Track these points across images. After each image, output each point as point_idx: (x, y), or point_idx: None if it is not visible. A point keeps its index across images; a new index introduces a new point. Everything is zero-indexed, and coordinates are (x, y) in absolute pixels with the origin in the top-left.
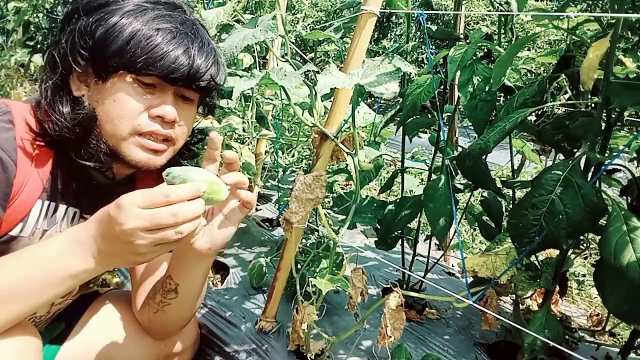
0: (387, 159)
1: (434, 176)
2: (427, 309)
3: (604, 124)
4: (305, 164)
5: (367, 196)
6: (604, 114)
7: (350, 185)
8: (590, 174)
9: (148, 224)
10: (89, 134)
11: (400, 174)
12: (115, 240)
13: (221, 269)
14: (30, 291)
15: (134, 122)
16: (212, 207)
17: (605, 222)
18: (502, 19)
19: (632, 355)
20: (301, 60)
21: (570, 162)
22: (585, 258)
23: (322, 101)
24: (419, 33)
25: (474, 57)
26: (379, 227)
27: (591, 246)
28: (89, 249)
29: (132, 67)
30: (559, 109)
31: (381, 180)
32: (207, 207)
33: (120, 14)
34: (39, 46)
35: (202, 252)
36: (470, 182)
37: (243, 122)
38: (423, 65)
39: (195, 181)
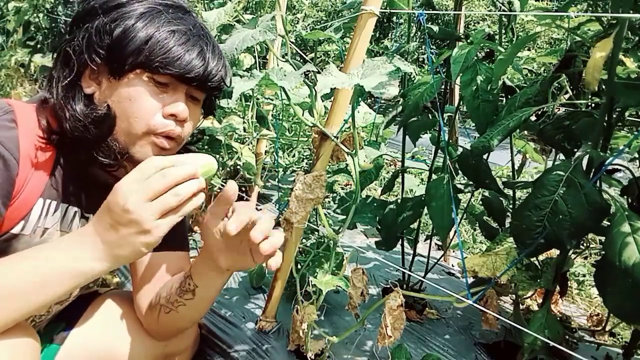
0: (387, 159)
1: (434, 176)
2: (427, 309)
3: (605, 124)
4: (306, 164)
5: (367, 196)
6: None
7: (351, 185)
8: (592, 174)
9: (143, 192)
10: (109, 132)
11: (400, 174)
12: (119, 225)
13: None
14: (36, 290)
15: (150, 121)
16: (243, 234)
17: (607, 222)
18: (504, 19)
19: (634, 355)
20: (301, 60)
21: (573, 162)
22: (585, 258)
23: (322, 101)
24: (419, 33)
25: (476, 58)
26: (380, 228)
27: (591, 246)
28: (96, 247)
29: (149, 67)
30: (559, 108)
31: (381, 180)
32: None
33: (136, 15)
34: (39, 46)
35: (221, 268)
36: (471, 182)
37: (243, 122)
38: (424, 65)
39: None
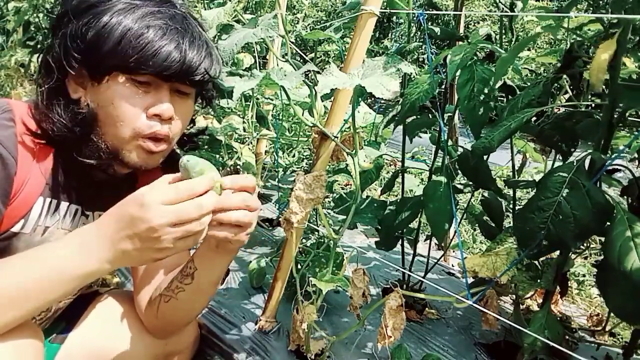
0: (387, 159)
1: (434, 176)
2: (427, 309)
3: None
4: (306, 164)
5: (367, 197)
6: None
7: (351, 185)
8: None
9: (176, 219)
10: (90, 132)
11: (400, 174)
12: (138, 238)
13: None
14: (41, 290)
15: (135, 125)
16: None
17: (608, 224)
18: (505, 19)
19: (633, 355)
20: (301, 60)
21: (575, 163)
22: (586, 258)
23: (323, 101)
24: (419, 33)
25: (475, 59)
26: (380, 228)
27: (591, 246)
28: (104, 251)
29: (125, 67)
30: (558, 109)
31: (381, 180)
32: None
33: (110, 13)
34: (39, 46)
35: (211, 247)
36: (470, 183)
37: (243, 122)
38: (424, 65)
39: (208, 174)
